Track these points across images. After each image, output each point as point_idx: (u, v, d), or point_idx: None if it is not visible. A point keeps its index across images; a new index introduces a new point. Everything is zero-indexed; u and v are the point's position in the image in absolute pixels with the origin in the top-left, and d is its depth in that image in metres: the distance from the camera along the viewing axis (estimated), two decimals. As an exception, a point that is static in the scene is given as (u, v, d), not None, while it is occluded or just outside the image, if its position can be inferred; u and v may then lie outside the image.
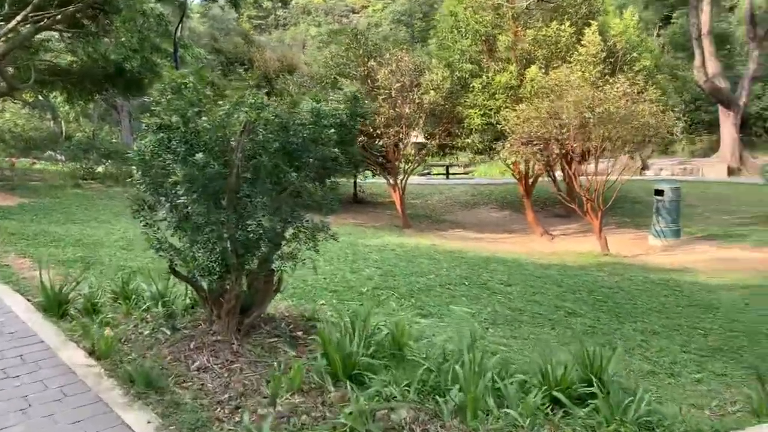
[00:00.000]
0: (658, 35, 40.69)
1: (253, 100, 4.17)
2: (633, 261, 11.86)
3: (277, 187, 4.22)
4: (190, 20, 45.90)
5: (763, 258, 12.13)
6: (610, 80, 12.16)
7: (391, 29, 33.28)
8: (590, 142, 12.13)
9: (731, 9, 41.79)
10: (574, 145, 12.28)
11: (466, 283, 8.11)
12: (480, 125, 13.56)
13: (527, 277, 9.09)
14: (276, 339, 4.51)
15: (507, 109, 12.79)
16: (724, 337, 6.60)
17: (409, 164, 15.02)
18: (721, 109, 29.09)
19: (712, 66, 28.57)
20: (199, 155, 3.83)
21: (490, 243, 13.87)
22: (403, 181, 15.23)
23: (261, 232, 4.21)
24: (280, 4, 73.37)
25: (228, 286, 4.36)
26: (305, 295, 6.46)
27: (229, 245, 4.20)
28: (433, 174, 28.72)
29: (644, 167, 30.49)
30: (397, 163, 14.76)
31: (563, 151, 13.00)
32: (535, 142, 12.53)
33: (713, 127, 34.45)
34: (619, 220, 17.74)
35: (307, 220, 4.44)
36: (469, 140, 13.76)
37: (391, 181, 14.98)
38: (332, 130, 4.34)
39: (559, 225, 17.42)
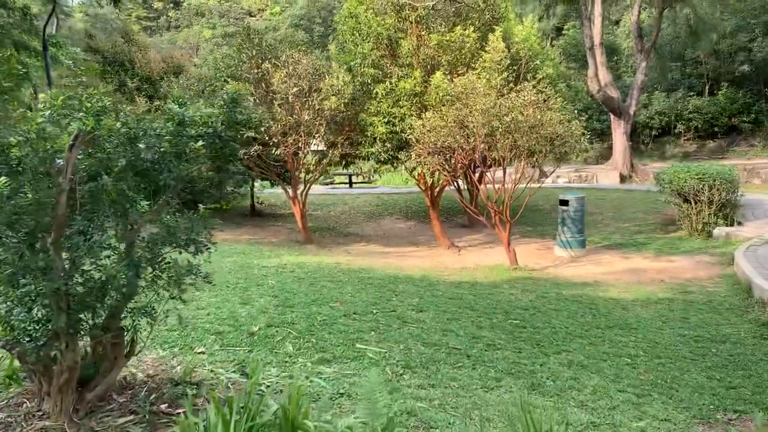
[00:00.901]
0: (552, 45, 41.96)
1: (90, 103, 3.08)
2: (543, 275, 11.46)
3: (124, 219, 3.14)
4: (71, 19, 42.60)
5: (665, 268, 12.08)
6: (516, 88, 11.75)
7: (288, 34, 32.20)
8: (497, 152, 11.65)
9: (617, 22, 43.86)
10: (480, 155, 11.76)
11: (374, 312, 7.23)
12: (384, 134, 12.79)
13: (439, 300, 8.34)
14: (131, 418, 3.41)
15: (412, 117, 12.09)
16: (652, 365, 6.09)
17: (310, 174, 14.01)
18: (612, 118, 30.10)
19: (604, 76, 29.50)
20: (1, 179, 2.71)
21: (397, 258, 13.12)
22: (304, 193, 14.21)
23: (103, 280, 3.13)
24: (171, 5, 70.30)
25: (59, 354, 3.23)
26: (181, 339, 5.34)
27: (60, 300, 3.08)
28: (336, 183, 27.86)
29: (542, 175, 31.06)
30: (297, 173, 13.72)
31: (468, 161, 12.46)
32: (440, 152, 11.91)
33: (604, 135, 35.80)
34: (523, 229, 17.54)
35: (168, 261, 3.39)
36: (372, 149, 12.95)
37: (291, 192, 13.91)
38: (200, 143, 3.32)
39: (464, 235, 16.99)
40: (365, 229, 17.91)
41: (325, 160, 13.51)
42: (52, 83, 16.93)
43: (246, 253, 11.66)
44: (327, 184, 27.59)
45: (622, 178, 29.03)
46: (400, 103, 12.96)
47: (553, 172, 13.10)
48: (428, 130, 11.42)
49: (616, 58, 39.21)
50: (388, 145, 12.90)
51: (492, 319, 7.47)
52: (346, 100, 12.55)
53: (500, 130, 10.72)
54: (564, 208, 13.73)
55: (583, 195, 13.99)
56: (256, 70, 12.70)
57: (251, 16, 67.80)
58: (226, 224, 16.99)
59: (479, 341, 6.26)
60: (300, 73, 12.58)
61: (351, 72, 13.41)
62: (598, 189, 24.73)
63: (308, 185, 14.21)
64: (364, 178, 26.07)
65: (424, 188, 14.65)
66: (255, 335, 5.73)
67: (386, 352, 5.49)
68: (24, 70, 4.03)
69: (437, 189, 14.89)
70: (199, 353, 5.07)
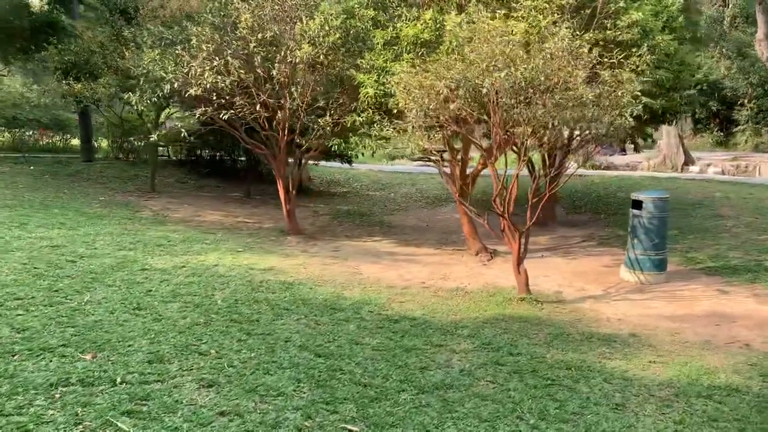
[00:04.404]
0: (727, 4, 34.81)
1: None
2: (557, 314, 7.64)
3: None
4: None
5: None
6: (550, 31, 7.85)
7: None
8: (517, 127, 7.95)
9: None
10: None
11: (120, 382, 4.31)
12: (375, 97, 9.50)
13: (279, 365, 5.18)
14: None
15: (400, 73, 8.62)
16: None
17: (310, 147, 11.13)
18: (789, 93, 23.59)
19: (782, 39, 23.00)
20: None
21: (388, 265, 9.88)
22: (298, 170, 11.41)
23: None
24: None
25: None
26: None
27: None
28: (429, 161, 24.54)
29: (687, 162, 25.30)
30: (279, 146, 10.92)
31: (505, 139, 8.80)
32: (439, 124, 8.41)
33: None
34: (610, 233, 13.32)
35: None
36: (361, 118, 9.70)
37: (275, 169, 11.17)
38: None
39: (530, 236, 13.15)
40: (407, 219, 14.70)
41: (319, 132, 10.50)
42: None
43: (177, 243, 9.16)
44: (417, 159, 24.36)
45: (796, 172, 22.66)
46: (403, 56, 9.55)
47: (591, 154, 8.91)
48: (403, 90, 7.98)
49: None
50: (378, 114, 9.55)
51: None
52: (326, 50, 9.44)
53: (487, 92, 7.01)
54: (636, 212, 9.59)
55: (665, 196, 9.68)
56: (223, 12, 10.01)
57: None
58: (242, 202, 14.72)
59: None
60: (273, 15, 9.69)
61: (352, 16, 10.23)
62: (750, 184, 19.10)
63: (302, 162, 11.38)
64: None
65: (450, 174, 11.16)
66: None
67: None
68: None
69: (471, 174, 11.36)
70: None
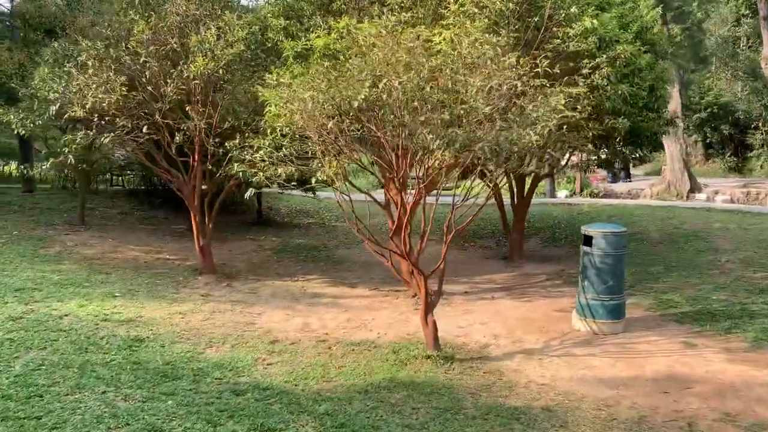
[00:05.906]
0: (740, 24, 33.14)
1: None
2: (470, 376, 6.20)
3: None
4: None
5: (742, 380, 6.22)
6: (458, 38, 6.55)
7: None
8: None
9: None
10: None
11: None
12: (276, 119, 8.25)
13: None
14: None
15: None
16: None
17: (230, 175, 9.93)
18: (802, 114, 21.90)
19: (792, 57, 21.46)
20: None
21: (304, 310, 8.54)
22: (214, 201, 10.20)
23: None
24: None
25: None
26: None
27: None
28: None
29: (693, 188, 23.57)
30: (192, 172, 9.76)
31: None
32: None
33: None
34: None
35: None
36: (264, 143, 8.44)
37: (187, 199, 9.98)
38: None
39: (488, 273, 11.73)
40: (362, 254, 13.24)
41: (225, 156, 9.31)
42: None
43: (46, 286, 7.96)
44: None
45: (811, 199, 20.86)
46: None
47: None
48: (285, 103, 6.72)
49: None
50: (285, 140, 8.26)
51: None
52: (223, 63, 8.27)
53: (374, 102, 5.74)
54: (586, 249, 8.14)
55: (621, 231, 8.22)
56: (120, 24, 8.95)
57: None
58: (182, 235, 13.52)
59: None
60: (176, 26, 8.59)
61: (266, 28, 9.08)
62: (754, 213, 17.41)
63: (215, 193, 10.17)
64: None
65: (385, 203, 9.85)
66: None
67: None
68: None
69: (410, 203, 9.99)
70: None
